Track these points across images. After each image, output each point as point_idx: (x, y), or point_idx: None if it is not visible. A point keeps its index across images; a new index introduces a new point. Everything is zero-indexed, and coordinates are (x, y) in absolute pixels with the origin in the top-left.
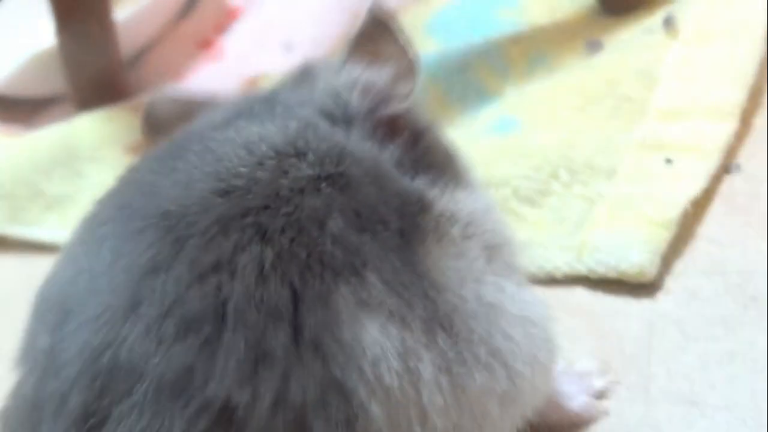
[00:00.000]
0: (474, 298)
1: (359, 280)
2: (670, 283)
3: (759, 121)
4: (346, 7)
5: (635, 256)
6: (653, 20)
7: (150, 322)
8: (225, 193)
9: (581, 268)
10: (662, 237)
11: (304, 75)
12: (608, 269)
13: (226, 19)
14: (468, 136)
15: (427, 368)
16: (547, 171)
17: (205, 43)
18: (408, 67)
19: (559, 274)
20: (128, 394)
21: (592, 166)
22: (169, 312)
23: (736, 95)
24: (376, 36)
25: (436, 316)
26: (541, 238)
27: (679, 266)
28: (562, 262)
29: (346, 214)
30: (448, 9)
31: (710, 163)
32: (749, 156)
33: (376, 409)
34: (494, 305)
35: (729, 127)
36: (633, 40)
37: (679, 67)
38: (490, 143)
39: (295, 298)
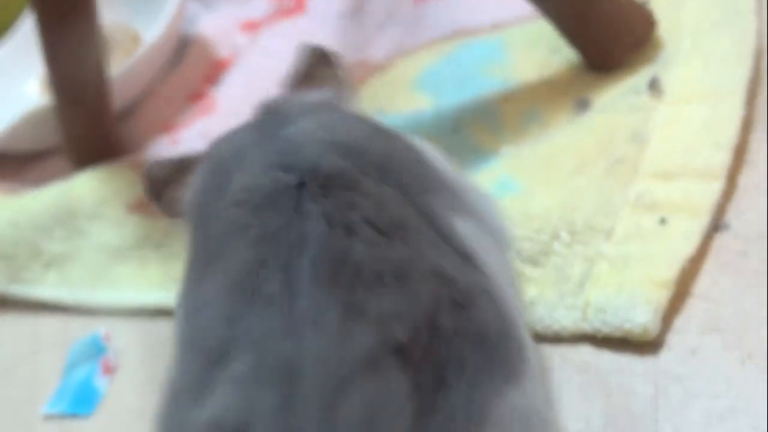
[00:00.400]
0: None
1: None
2: (672, 340)
3: (744, 180)
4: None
5: (639, 316)
6: (638, 79)
7: None
8: None
9: (587, 327)
10: (662, 296)
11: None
12: (613, 328)
13: (214, 71)
14: None
15: None
16: (548, 232)
17: (195, 96)
18: (343, 86)
19: (565, 333)
20: None
21: (591, 227)
22: None
23: (722, 155)
24: (313, 64)
25: None
26: (546, 298)
27: (678, 324)
28: (567, 321)
29: None
30: (437, 65)
31: (702, 222)
32: (737, 214)
33: None
34: None
35: (717, 186)
36: (620, 101)
37: (666, 128)
38: None
39: None
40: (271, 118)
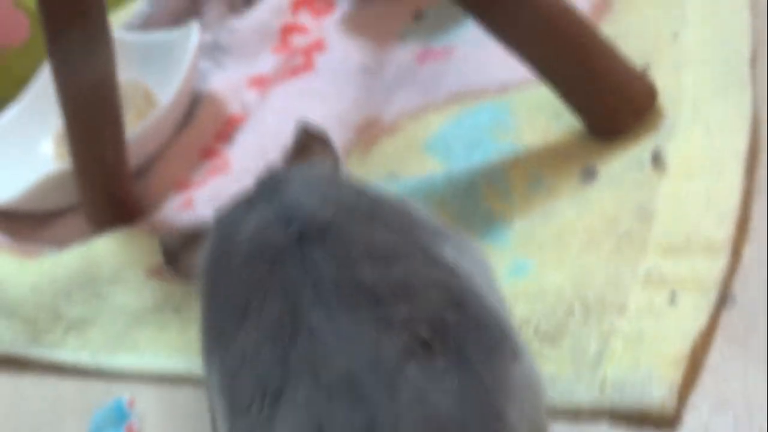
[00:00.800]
0: None
1: None
2: (686, 417)
3: (748, 252)
4: (346, 120)
5: (655, 392)
6: (642, 150)
7: None
8: None
9: (605, 404)
10: (677, 373)
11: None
12: (631, 405)
13: (226, 127)
14: None
15: None
16: (562, 309)
17: (207, 152)
18: (335, 159)
19: (583, 410)
20: None
21: (604, 303)
22: None
23: (726, 229)
24: (307, 142)
25: None
26: (564, 375)
27: (693, 399)
28: (586, 398)
29: None
30: (446, 129)
31: (710, 297)
32: (743, 287)
33: None
34: None
35: (722, 261)
36: (625, 175)
37: (671, 202)
38: (508, 288)
39: None
40: (267, 186)
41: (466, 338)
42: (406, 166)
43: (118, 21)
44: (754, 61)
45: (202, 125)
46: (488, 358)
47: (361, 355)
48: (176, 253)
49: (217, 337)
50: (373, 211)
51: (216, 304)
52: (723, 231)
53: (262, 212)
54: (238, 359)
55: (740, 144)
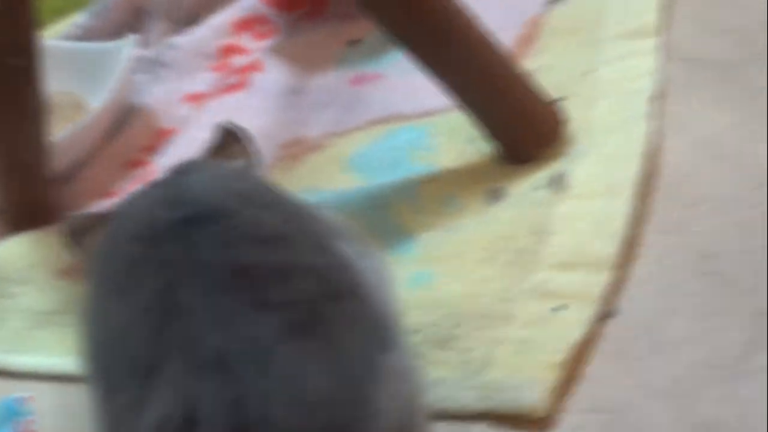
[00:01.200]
0: None
1: None
2: (559, 419)
3: (635, 270)
4: (274, 136)
5: (532, 396)
6: (546, 174)
7: None
8: None
9: (485, 406)
10: (554, 378)
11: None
12: (509, 408)
13: (156, 139)
14: None
15: None
16: (455, 318)
17: (135, 162)
18: (253, 159)
19: (465, 412)
20: None
21: (494, 312)
22: None
23: (612, 248)
24: (227, 140)
25: None
26: (450, 379)
27: (567, 404)
28: (468, 401)
29: None
30: (368, 147)
31: (592, 310)
32: (627, 302)
33: None
34: None
35: (607, 276)
36: (528, 194)
37: (567, 221)
38: (407, 296)
39: None
40: (173, 175)
41: (341, 325)
42: (328, 182)
43: (57, 31)
44: (658, 98)
45: (132, 136)
46: (361, 346)
47: (235, 334)
48: (81, 232)
49: (94, 315)
50: (271, 201)
51: (97, 282)
52: (610, 249)
53: (153, 195)
54: (112, 337)
55: (633, 171)
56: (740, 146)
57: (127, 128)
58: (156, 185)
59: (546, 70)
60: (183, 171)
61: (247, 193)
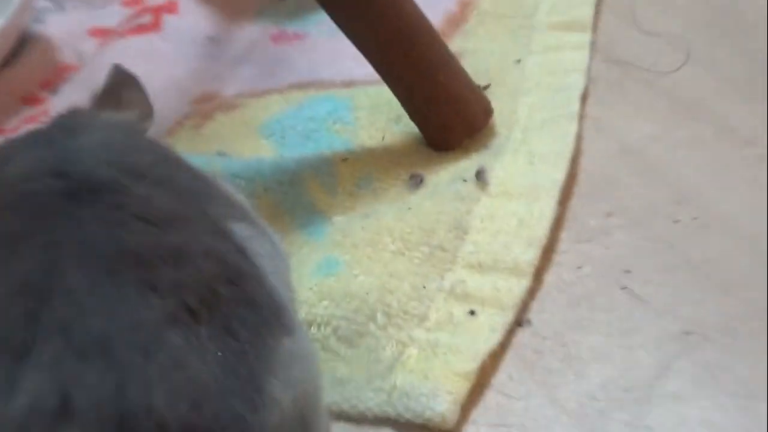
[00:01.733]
0: None
1: None
2: (466, 430)
3: (549, 278)
4: (184, 89)
5: (439, 405)
6: (469, 165)
7: None
8: None
9: (390, 411)
10: (463, 387)
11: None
12: (415, 415)
13: (54, 75)
14: (296, 276)
15: None
16: (365, 313)
17: (30, 99)
18: (148, 110)
19: (370, 415)
20: None
21: (406, 311)
22: None
23: (531, 253)
24: (121, 86)
25: None
26: (356, 379)
27: (474, 415)
28: (373, 404)
29: None
30: (285, 113)
31: (506, 317)
32: (539, 311)
33: None
34: None
35: (524, 283)
36: (450, 185)
37: (486, 221)
38: (316, 283)
39: None
40: (61, 129)
41: (234, 311)
42: (238, 147)
43: None
44: (585, 98)
45: (28, 69)
46: (255, 333)
47: (119, 317)
48: None
49: None
50: (164, 176)
51: None
52: (529, 255)
53: (38, 157)
54: None
55: (558, 174)
56: (662, 157)
57: (24, 59)
58: (40, 141)
59: (471, 53)
60: (71, 128)
61: (139, 165)
